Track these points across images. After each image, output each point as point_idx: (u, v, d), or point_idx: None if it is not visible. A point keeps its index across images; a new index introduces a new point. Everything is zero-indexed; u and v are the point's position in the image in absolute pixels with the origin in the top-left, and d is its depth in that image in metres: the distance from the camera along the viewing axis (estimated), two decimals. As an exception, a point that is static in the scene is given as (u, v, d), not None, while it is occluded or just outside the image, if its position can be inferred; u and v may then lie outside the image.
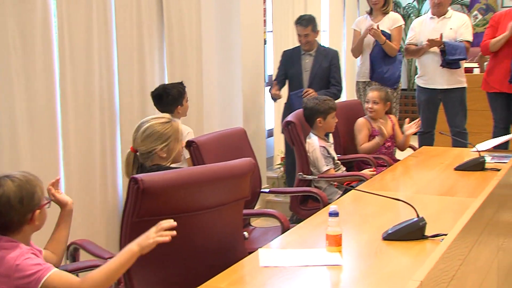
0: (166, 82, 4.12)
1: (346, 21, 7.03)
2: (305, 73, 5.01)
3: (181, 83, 3.82)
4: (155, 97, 3.73)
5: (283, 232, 2.78)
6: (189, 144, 3.15)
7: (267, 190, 3.76)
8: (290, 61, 5.06)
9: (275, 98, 5.08)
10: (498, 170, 3.32)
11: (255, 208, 3.71)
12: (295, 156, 3.85)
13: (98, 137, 3.60)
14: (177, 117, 3.64)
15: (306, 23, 4.89)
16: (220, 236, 2.36)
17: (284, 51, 5.22)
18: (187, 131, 3.61)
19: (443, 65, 5.04)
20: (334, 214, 2.19)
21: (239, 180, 2.39)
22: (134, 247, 1.91)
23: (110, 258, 2.01)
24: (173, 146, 2.65)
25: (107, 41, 3.65)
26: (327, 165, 3.81)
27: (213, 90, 4.82)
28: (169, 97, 3.68)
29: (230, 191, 2.37)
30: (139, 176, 2.09)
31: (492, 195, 2.68)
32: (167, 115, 2.72)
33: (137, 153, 2.65)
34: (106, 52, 3.65)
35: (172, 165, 2.68)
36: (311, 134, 3.90)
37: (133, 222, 2.09)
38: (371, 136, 4.31)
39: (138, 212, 2.09)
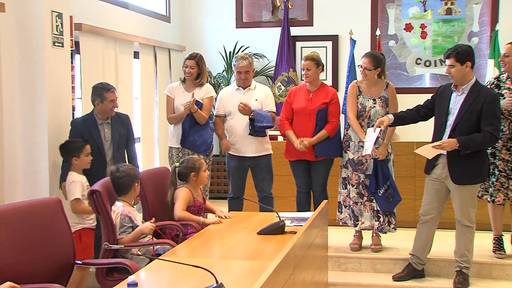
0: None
1: (159, 87, 7.15)
2: (106, 143, 4.85)
3: (84, 140, 4.62)
4: (60, 148, 4.58)
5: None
6: None
7: (80, 262, 3.59)
8: (85, 130, 4.77)
9: None
10: (295, 233, 3.54)
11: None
12: (101, 225, 3.76)
13: None
14: (75, 167, 4.51)
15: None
16: None
17: (75, 120, 4.95)
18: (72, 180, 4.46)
19: (251, 133, 5.30)
20: (133, 284, 2.18)
21: None
22: None
23: None
24: None
25: None
26: (119, 234, 3.77)
27: (17, 157, 4.59)
28: (68, 147, 4.53)
29: None
30: None
31: (287, 257, 2.84)
32: None
33: None
34: None
35: None
36: (116, 201, 3.85)
37: None
38: (193, 207, 4.33)
39: None
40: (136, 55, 6.78)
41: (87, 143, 4.60)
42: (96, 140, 4.79)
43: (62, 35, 4.88)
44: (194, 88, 5.50)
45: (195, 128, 5.45)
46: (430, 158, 4.60)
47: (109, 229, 3.68)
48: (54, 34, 4.75)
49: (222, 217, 4.27)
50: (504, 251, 5.03)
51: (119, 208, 3.80)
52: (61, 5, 4.88)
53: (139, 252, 3.54)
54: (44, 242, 3.18)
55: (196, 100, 5.37)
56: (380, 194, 5.01)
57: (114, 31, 6.15)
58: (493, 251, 5.06)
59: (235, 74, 5.43)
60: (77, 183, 4.47)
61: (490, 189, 4.94)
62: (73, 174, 4.50)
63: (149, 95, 7.03)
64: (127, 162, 4.85)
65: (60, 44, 4.85)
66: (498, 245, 5.06)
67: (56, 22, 4.78)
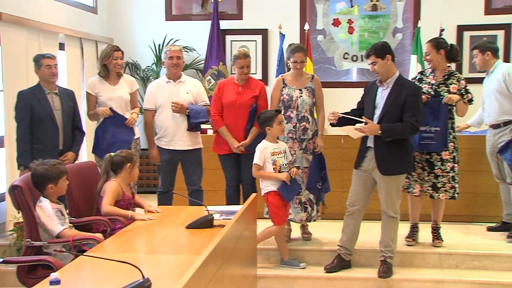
0: None
1: (85, 80, 6.97)
2: (57, 111, 4.99)
3: (277, 110, 4.86)
4: (256, 118, 4.96)
5: None
6: None
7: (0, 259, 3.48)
8: (34, 99, 4.90)
9: None
10: (224, 226, 3.54)
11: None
12: (23, 221, 3.64)
13: None
14: (268, 136, 4.79)
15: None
16: None
17: (22, 91, 4.98)
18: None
19: (189, 129, 5.28)
20: (55, 282, 2.13)
21: None
22: None
23: None
24: None
25: None
26: (62, 225, 3.67)
27: None
28: (264, 117, 4.78)
29: None
30: None
31: (215, 250, 2.83)
32: None
33: None
34: None
35: None
36: (41, 198, 3.73)
37: None
38: (121, 201, 4.24)
39: None
40: (61, 47, 6.59)
41: (280, 113, 4.81)
42: (46, 107, 4.92)
43: (-19, 25, 4.69)
44: (118, 80, 5.41)
45: (109, 133, 5.33)
46: (355, 138, 4.75)
47: (32, 226, 3.57)
48: (-28, 23, 4.56)
49: (152, 211, 4.23)
50: (414, 239, 5.24)
51: (46, 204, 3.69)
52: (-21, -7, 4.70)
53: (63, 249, 3.45)
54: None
55: (112, 110, 5.28)
56: (320, 187, 5.11)
57: (37, 21, 5.96)
58: (405, 238, 5.24)
59: (167, 62, 5.33)
60: (260, 150, 4.77)
61: (409, 180, 5.11)
62: (265, 142, 4.79)
63: (75, 88, 6.83)
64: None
65: (-21, 35, 4.66)
66: (411, 233, 5.25)
67: (-26, 11, 4.59)
